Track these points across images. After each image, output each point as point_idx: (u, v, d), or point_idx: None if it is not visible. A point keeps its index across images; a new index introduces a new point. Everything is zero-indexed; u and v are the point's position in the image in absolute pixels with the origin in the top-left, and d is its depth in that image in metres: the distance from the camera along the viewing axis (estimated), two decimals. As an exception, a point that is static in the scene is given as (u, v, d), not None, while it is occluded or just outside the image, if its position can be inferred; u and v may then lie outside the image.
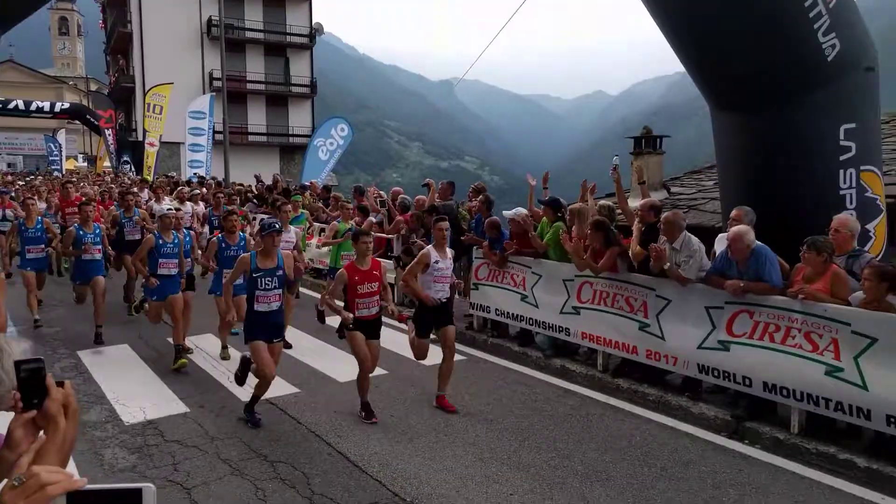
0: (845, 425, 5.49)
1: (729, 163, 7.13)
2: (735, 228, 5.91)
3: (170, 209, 8.18)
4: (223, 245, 8.01)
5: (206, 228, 12.17)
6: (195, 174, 23.19)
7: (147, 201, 13.75)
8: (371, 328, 6.15)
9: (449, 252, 6.56)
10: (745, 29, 5.99)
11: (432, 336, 6.54)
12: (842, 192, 6.25)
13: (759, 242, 5.83)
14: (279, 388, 6.79)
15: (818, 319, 5.40)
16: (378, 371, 7.30)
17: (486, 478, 4.97)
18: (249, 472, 5.01)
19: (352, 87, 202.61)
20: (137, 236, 10.16)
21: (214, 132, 26.64)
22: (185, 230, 8.59)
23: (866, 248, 6.21)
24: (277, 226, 6.07)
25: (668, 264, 6.39)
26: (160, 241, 7.87)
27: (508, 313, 8.58)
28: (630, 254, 7.01)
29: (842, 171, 6.22)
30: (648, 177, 13.16)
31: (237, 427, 5.92)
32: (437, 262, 6.38)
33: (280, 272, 5.97)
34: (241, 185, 18.89)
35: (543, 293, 8.03)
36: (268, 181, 17.12)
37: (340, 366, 7.43)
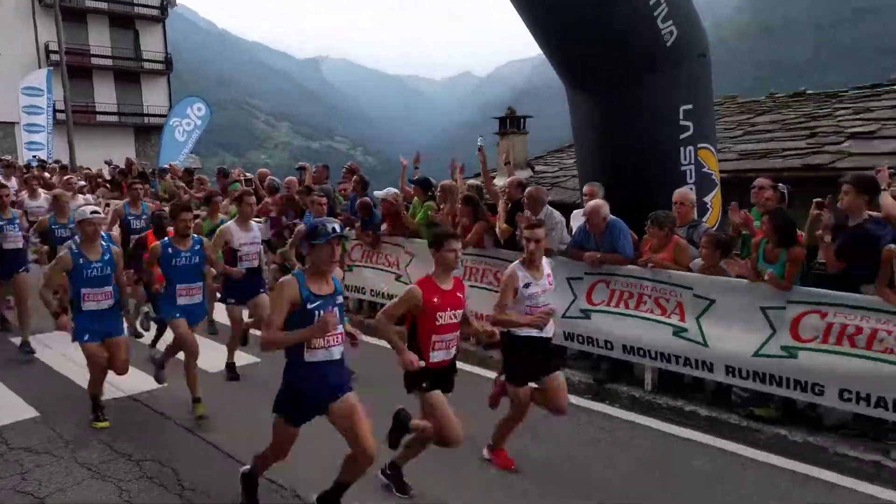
0: (691, 380, 6.10)
1: (584, 141, 7.58)
2: (592, 203, 6.30)
3: (95, 212, 5.50)
4: (169, 251, 5.72)
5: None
6: (35, 157, 21.03)
7: (16, 194, 10.32)
8: (445, 378, 4.29)
9: (546, 267, 4.76)
10: (592, 14, 6.36)
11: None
12: (682, 168, 6.84)
13: (612, 216, 6.26)
14: (142, 382, 6.41)
15: (665, 286, 5.92)
16: (249, 358, 7.12)
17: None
18: (112, 474, 4.71)
19: (211, 64, 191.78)
20: (21, 244, 7.94)
21: (55, 111, 24.26)
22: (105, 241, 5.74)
23: (704, 220, 6.85)
24: (338, 228, 3.77)
25: None
26: (81, 261, 5.34)
27: (383, 293, 8.62)
28: (497, 230, 7.27)
29: (682, 149, 6.81)
30: (514, 156, 13.69)
31: (97, 428, 5.53)
32: (527, 284, 4.55)
33: (340, 298, 3.86)
34: (89, 169, 17.41)
35: (417, 272, 8.13)
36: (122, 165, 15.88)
37: (208, 356, 7.12)
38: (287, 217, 9.59)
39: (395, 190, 8.59)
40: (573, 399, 6.19)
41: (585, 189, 6.86)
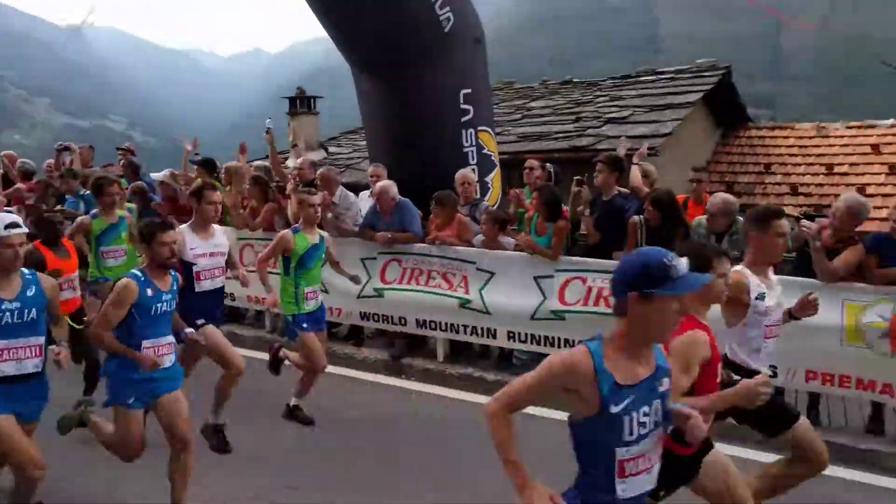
0: (479, 348, 6.55)
1: (372, 123, 7.71)
2: (381, 184, 6.43)
3: (14, 225, 3.47)
4: (148, 293, 3.78)
5: None
6: None
7: None
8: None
9: (771, 273, 3.51)
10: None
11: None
12: (465, 150, 7.24)
13: (401, 196, 6.45)
14: None
15: (451, 261, 6.27)
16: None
17: (154, 458, 4.65)
18: None
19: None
20: None
21: None
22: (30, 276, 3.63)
23: (485, 198, 7.33)
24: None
25: (330, 214, 6.74)
26: None
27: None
28: (289, 213, 7.13)
29: (463, 131, 7.20)
30: (305, 137, 13.46)
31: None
32: (759, 296, 3.28)
33: (666, 382, 2.27)
34: None
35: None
36: None
37: None
38: (47, 205, 8.49)
39: (171, 170, 8.02)
40: (372, 377, 6.35)
41: (370, 170, 7.03)
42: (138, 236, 4.07)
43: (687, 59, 14.57)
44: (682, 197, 6.18)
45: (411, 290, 6.47)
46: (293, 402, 5.32)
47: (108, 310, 3.71)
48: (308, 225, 5.18)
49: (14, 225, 3.43)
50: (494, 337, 6.17)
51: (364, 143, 13.78)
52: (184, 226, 4.87)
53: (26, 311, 3.45)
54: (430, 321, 6.41)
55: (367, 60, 7.19)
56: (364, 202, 7.06)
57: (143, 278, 3.79)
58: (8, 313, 3.39)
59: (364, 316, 6.80)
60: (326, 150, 14.43)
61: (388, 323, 6.70)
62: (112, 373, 3.81)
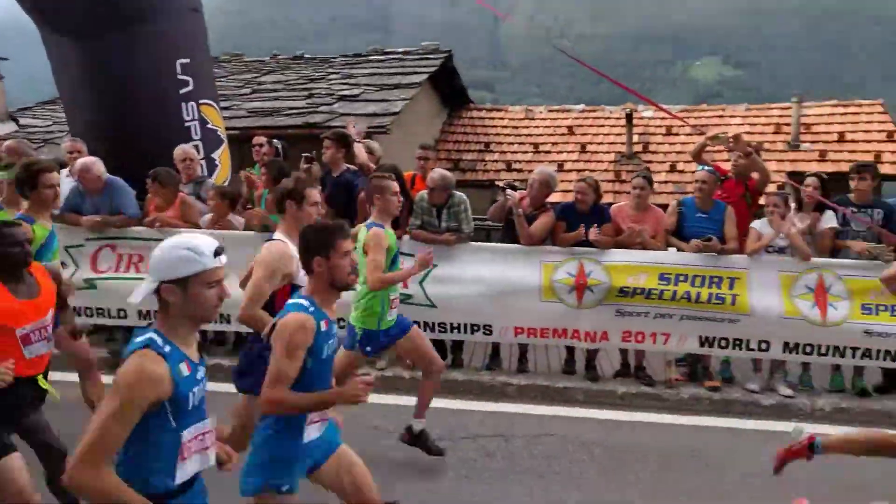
0: (212, 334, 6.24)
1: (70, 92, 6.84)
2: (82, 161, 5.74)
3: (220, 252, 2.20)
4: (321, 329, 2.61)
5: None
6: None
7: None
8: None
9: None
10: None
11: None
12: (186, 124, 6.76)
13: (110, 175, 5.81)
14: None
15: (175, 244, 5.83)
16: None
17: None
18: None
19: None
20: None
21: None
22: None
23: (213, 176, 6.95)
24: None
25: None
26: (187, 373, 2.15)
27: None
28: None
29: (184, 104, 6.71)
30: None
31: None
32: None
33: None
34: None
35: None
36: None
37: None
38: None
39: None
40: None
41: (67, 146, 6.25)
42: (303, 245, 2.71)
43: (417, 42, 15.29)
44: (410, 174, 6.51)
45: (131, 279, 5.88)
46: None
47: (283, 363, 2.56)
48: (388, 217, 4.13)
49: (222, 251, 2.22)
50: (229, 322, 5.91)
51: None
52: (279, 234, 3.56)
53: (204, 380, 2.31)
54: (156, 311, 5.91)
55: (59, 20, 6.28)
56: (64, 183, 6.23)
57: (312, 309, 2.63)
58: (202, 383, 2.25)
59: (76, 311, 6.02)
60: (17, 121, 12.47)
61: (105, 317, 6.04)
62: (261, 445, 2.64)
